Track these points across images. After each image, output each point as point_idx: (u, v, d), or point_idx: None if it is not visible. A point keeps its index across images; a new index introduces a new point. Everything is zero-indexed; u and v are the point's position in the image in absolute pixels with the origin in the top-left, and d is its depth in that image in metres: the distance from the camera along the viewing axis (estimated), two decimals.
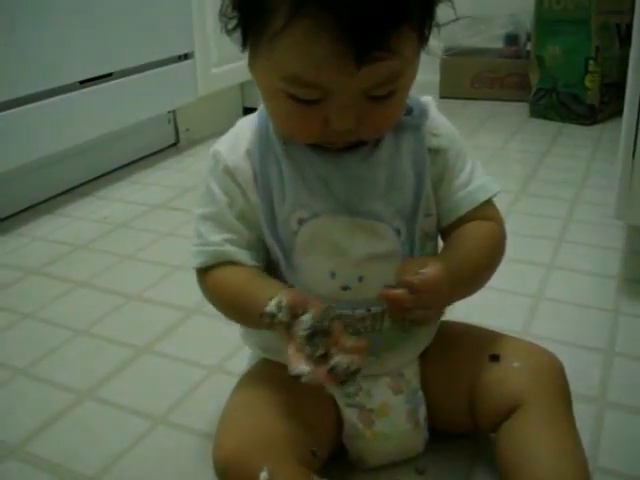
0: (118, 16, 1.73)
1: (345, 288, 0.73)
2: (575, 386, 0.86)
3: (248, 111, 2.65)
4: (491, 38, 2.60)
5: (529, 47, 2.46)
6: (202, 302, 1.15)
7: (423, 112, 0.75)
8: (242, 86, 2.33)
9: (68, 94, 1.62)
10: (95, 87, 1.70)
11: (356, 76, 0.60)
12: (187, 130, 2.16)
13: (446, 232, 0.79)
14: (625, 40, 2.27)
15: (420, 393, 0.79)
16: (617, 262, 1.30)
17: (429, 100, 0.78)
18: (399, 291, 0.66)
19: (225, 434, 0.70)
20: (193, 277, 0.79)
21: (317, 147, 0.70)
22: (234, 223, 0.74)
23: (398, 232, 0.73)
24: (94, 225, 1.56)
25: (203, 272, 0.76)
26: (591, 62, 2.25)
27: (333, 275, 0.72)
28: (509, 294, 1.18)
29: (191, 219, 1.52)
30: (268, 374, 0.76)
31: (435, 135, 0.76)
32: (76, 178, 1.79)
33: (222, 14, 0.65)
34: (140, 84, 1.84)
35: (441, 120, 0.78)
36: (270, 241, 0.73)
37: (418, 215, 0.74)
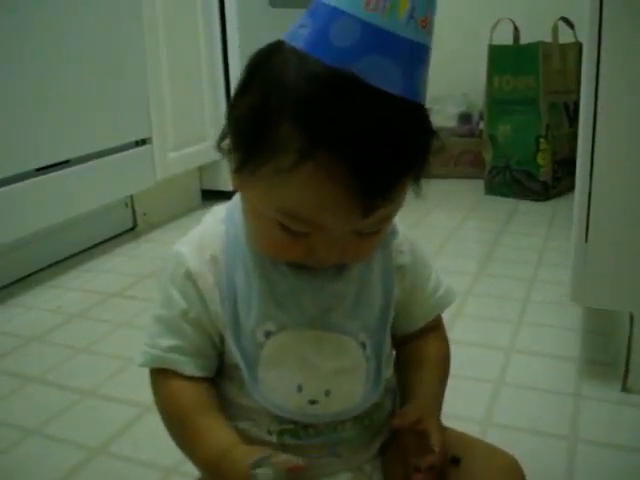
0: (75, 103, 1.73)
1: (312, 402, 0.71)
2: (541, 477, 0.85)
3: (206, 194, 2.63)
4: (445, 117, 2.67)
5: (482, 126, 2.53)
6: None
7: (393, 230, 0.76)
8: (200, 169, 2.34)
9: (23, 182, 1.61)
10: (51, 174, 1.69)
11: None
12: (145, 214, 2.14)
13: (405, 338, 0.80)
14: (574, 118, 2.34)
15: None
16: (576, 343, 1.31)
17: None
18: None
19: None
20: (148, 372, 0.76)
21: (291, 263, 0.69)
22: (186, 329, 0.72)
23: (364, 346, 0.72)
24: (48, 315, 1.52)
25: (154, 373, 0.74)
26: (542, 140, 2.32)
27: (300, 389, 0.71)
28: (470, 380, 1.18)
29: (147, 307, 1.51)
30: None
31: (401, 252, 0.76)
32: (30, 266, 1.76)
33: (222, 137, 0.64)
34: (97, 170, 1.83)
35: (404, 234, 0.78)
36: (234, 351, 0.71)
37: (386, 330, 0.74)
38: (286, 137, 0.57)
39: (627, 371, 1.13)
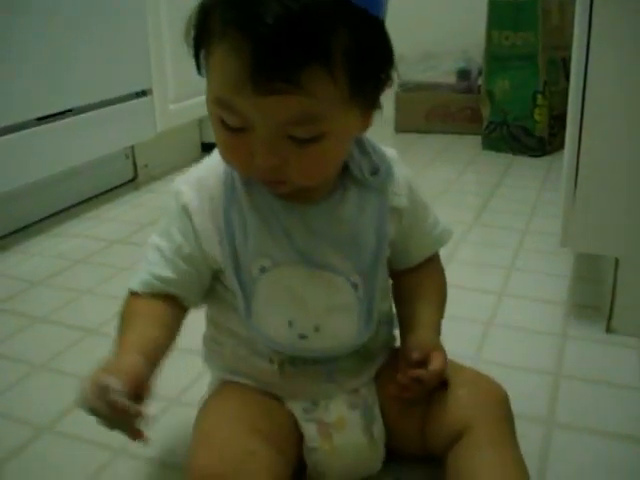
0: (75, 53, 1.75)
1: (302, 337, 0.75)
2: (524, 408, 0.89)
3: (206, 146, 2.64)
4: (444, 73, 2.67)
5: (480, 82, 2.54)
6: None
7: (389, 173, 0.78)
8: (200, 122, 2.36)
9: (25, 131, 1.63)
10: (53, 124, 1.71)
11: (261, 105, 0.61)
12: (145, 166, 2.17)
13: (404, 272, 0.85)
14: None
15: (376, 410, 0.81)
16: (565, 288, 1.35)
17: (394, 155, 0.81)
18: (408, 382, 0.76)
19: (198, 456, 0.71)
20: None
21: (282, 198, 0.73)
22: (180, 265, 0.75)
23: (355, 287, 0.76)
24: (51, 261, 1.56)
25: (132, 296, 0.78)
26: (539, 96, 2.33)
27: (290, 324, 0.74)
28: (462, 321, 1.22)
29: None
30: (231, 395, 0.78)
31: (397, 195, 0.79)
32: (32, 215, 1.79)
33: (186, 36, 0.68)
34: (98, 121, 1.85)
35: (403, 177, 0.80)
36: (234, 285, 0.75)
37: (377, 274, 0.77)
38: (213, 24, 0.63)
39: (611, 313, 1.16)
